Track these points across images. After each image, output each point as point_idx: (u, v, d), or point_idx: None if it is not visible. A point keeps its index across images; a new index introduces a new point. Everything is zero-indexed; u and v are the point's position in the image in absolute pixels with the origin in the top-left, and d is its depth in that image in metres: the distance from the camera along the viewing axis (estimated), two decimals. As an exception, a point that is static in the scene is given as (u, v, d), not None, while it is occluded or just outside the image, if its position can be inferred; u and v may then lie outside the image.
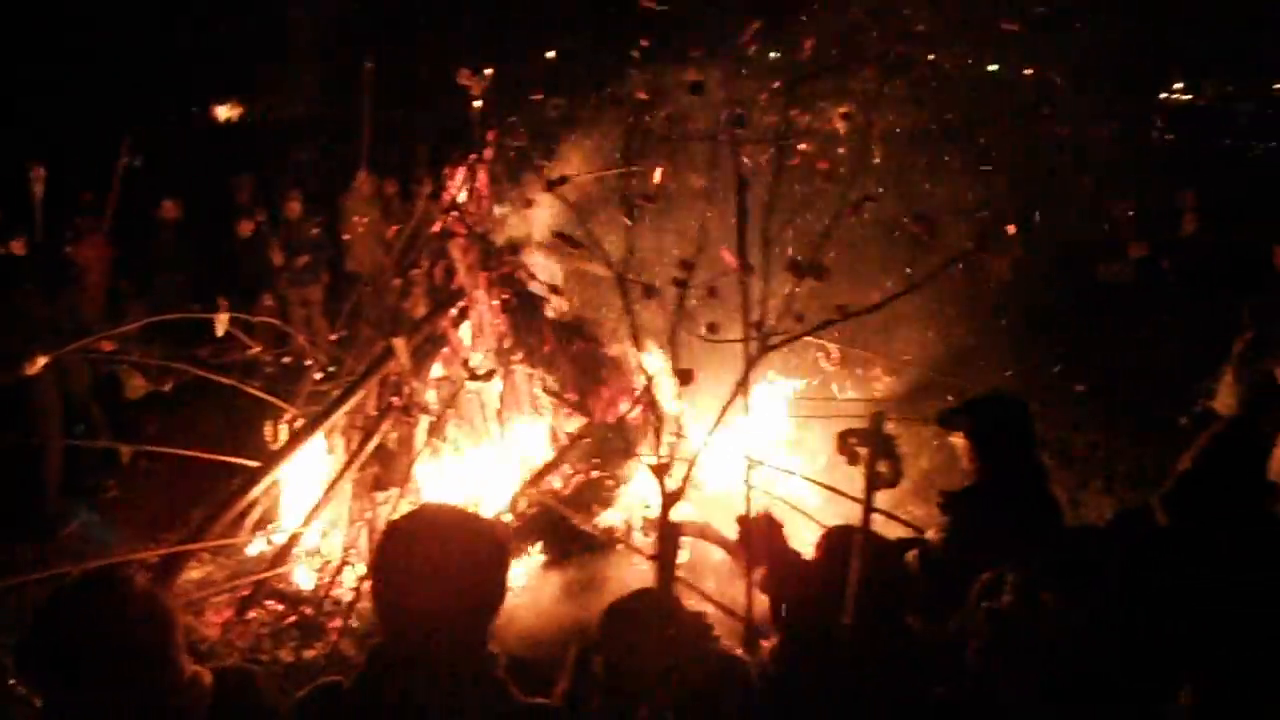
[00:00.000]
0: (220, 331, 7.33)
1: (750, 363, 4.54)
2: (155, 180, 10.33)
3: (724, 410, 4.76)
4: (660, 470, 4.64)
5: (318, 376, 7.80)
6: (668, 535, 4.74)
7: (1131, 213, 13.17)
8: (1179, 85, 25.82)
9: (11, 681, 2.43)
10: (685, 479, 4.73)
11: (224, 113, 19.36)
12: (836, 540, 3.21)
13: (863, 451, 3.11)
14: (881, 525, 4.87)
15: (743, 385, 4.60)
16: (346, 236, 11.03)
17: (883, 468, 3.09)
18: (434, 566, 2.21)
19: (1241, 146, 23.09)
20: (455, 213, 6.96)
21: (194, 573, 6.75)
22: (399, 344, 6.65)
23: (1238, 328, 7.78)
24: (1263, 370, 7.38)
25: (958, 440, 4.04)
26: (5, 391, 7.25)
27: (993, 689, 2.97)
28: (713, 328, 4.77)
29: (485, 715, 2.24)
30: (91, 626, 2.26)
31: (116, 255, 9.57)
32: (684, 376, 4.66)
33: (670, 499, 4.63)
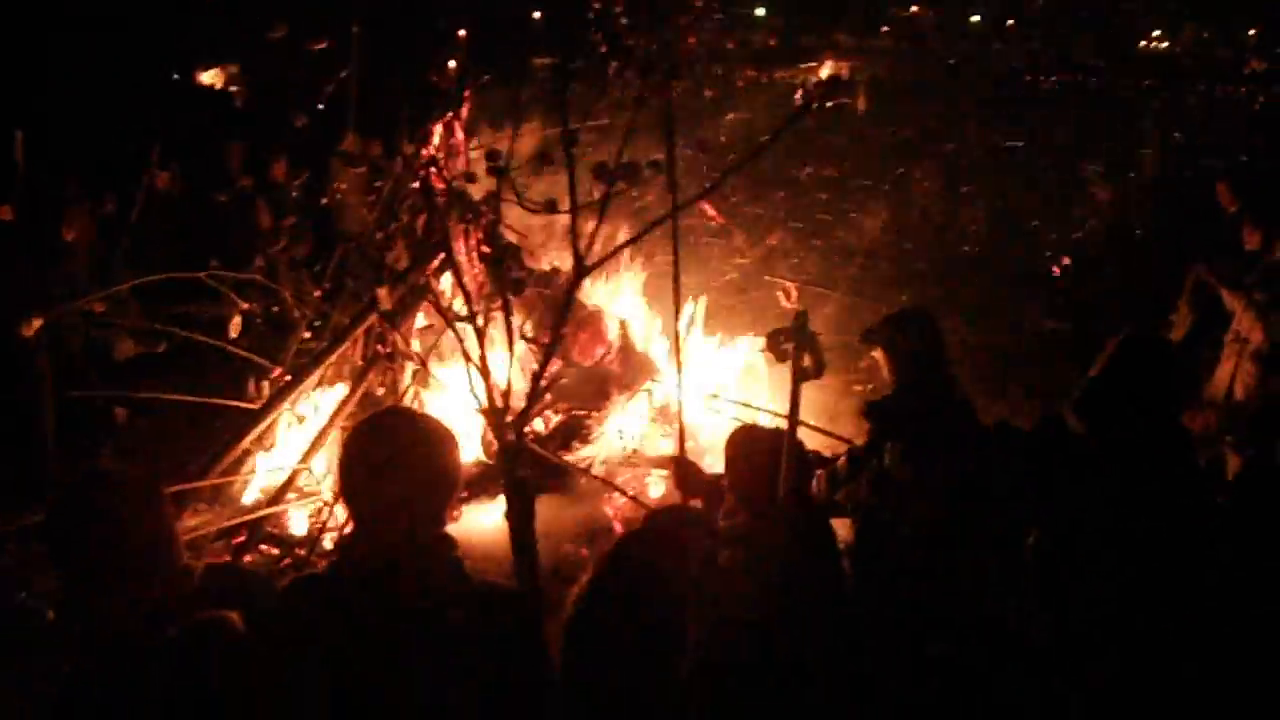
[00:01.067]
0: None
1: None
2: (144, 145, 10.54)
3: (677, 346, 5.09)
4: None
5: (306, 334, 8.07)
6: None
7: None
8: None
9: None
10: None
11: (209, 78, 19.52)
12: (739, 437, 3.75)
13: (788, 348, 3.47)
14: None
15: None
16: (336, 196, 11.27)
17: (806, 362, 3.46)
18: (387, 454, 2.52)
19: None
20: (433, 168, 7.20)
21: (191, 520, 7.06)
22: (381, 294, 6.93)
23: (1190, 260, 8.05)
24: (1207, 296, 7.65)
25: (877, 354, 4.37)
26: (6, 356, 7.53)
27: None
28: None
29: (444, 593, 2.54)
30: (97, 509, 2.58)
31: (106, 219, 9.81)
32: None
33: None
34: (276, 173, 11.18)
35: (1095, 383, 3.80)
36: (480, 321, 7.23)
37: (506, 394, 6.76)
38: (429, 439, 2.58)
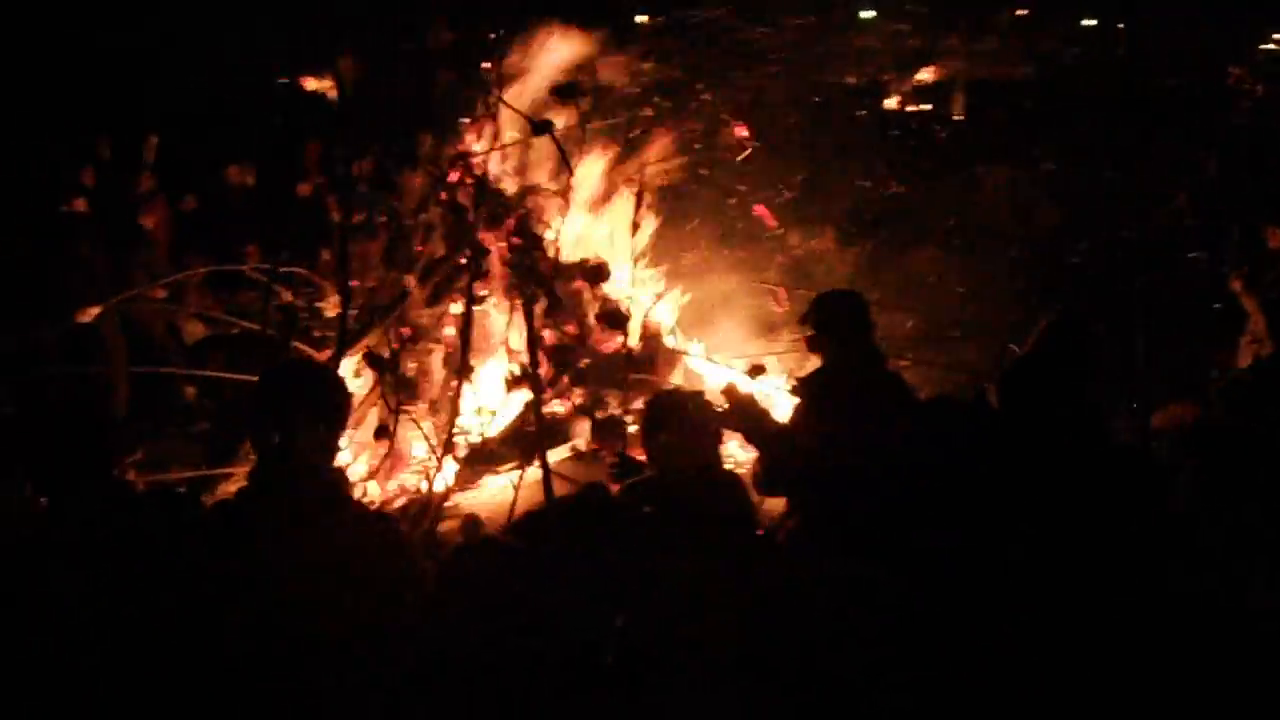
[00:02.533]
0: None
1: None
2: (222, 142, 11.24)
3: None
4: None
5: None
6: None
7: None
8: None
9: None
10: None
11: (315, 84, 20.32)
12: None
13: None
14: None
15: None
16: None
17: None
18: (283, 398, 2.97)
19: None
20: (461, 162, 7.69)
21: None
22: (409, 281, 7.45)
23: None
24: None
25: (808, 332, 4.66)
26: (75, 337, 8.19)
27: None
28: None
29: (331, 522, 2.97)
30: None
31: (185, 213, 10.50)
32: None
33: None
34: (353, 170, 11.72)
35: (1018, 361, 4.06)
36: (507, 308, 7.76)
37: (534, 373, 7.26)
38: (313, 379, 3.06)
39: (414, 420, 7.52)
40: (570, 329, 7.95)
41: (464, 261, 7.85)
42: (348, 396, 3.18)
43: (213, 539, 3.00)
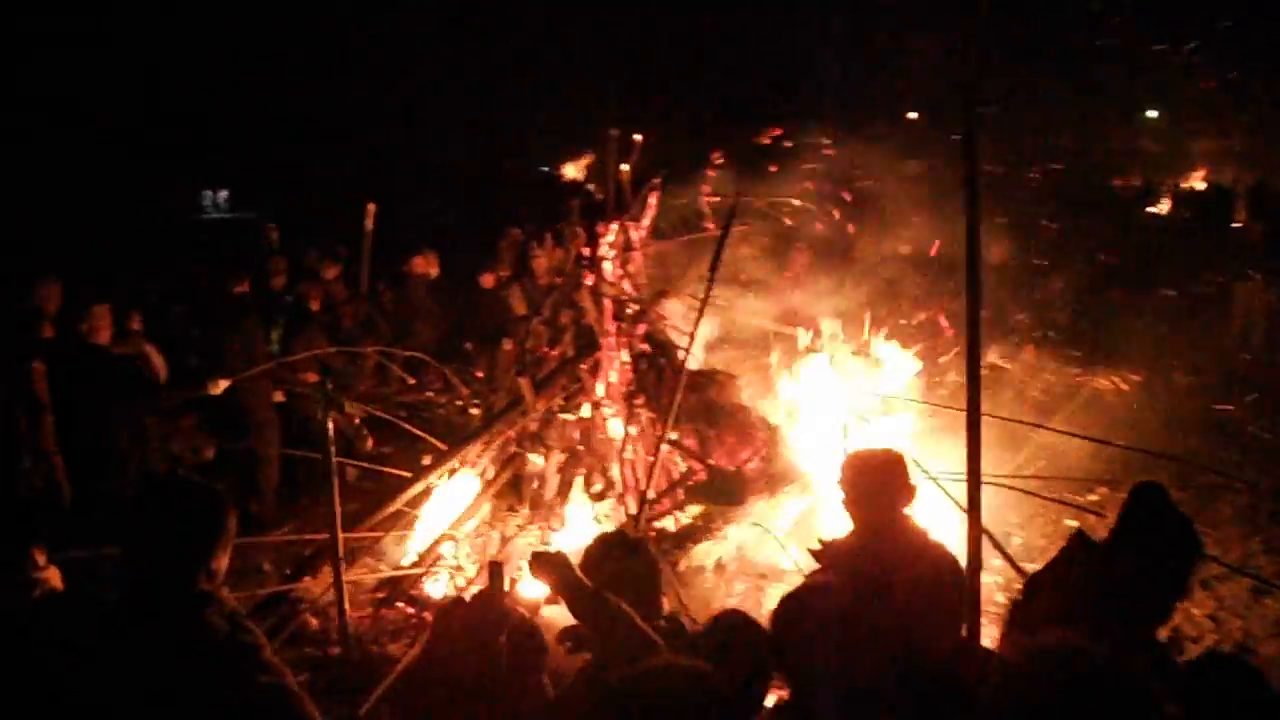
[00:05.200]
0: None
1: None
2: (410, 231, 11.74)
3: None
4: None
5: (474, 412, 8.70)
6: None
7: None
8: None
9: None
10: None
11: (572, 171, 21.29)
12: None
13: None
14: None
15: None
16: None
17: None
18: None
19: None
20: (588, 264, 7.65)
21: (354, 574, 7.76)
22: (524, 383, 7.41)
23: None
24: None
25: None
26: (232, 408, 8.60)
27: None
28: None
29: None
30: None
31: (366, 298, 10.96)
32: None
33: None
34: (537, 265, 11.96)
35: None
36: (625, 415, 7.60)
37: (643, 486, 7.04)
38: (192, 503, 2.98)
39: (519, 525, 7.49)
40: (691, 442, 7.70)
41: (588, 366, 7.80)
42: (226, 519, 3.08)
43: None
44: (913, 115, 19.96)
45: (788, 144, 8.59)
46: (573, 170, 9.95)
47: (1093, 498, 8.11)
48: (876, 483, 4.11)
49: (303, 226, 13.47)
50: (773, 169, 8.46)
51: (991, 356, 11.00)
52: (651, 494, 7.40)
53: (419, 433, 8.47)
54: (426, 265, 11.57)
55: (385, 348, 10.08)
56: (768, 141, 8.90)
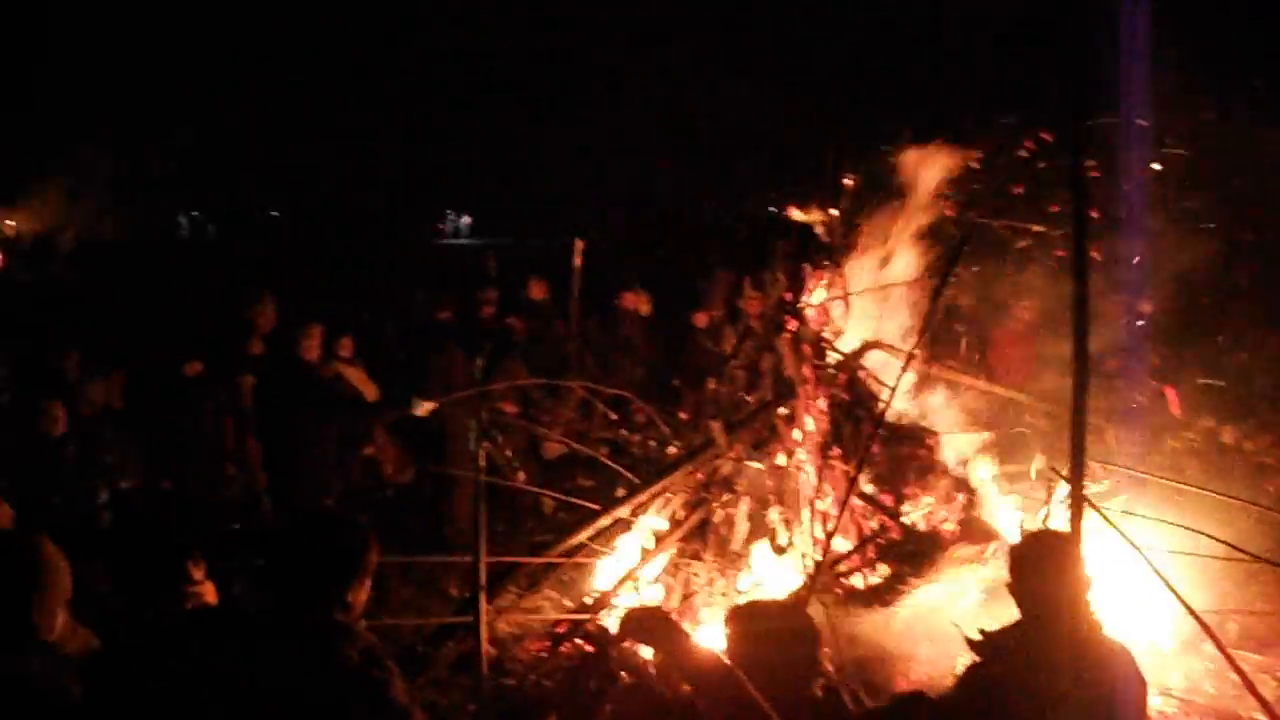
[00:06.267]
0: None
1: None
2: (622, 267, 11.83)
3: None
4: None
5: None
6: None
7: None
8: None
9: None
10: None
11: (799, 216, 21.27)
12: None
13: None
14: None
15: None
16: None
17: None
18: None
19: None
20: (787, 309, 7.47)
21: (534, 601, 7.80)
22: (715, 427, 7.27)
23: None
24: None
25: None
26: (433, 433, 8.80)
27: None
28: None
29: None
30: None
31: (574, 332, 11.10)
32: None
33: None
34: (749, 306, 11.83)
35: None
36: (819, 466, 7.37)
37: (828, 541, 6.81)
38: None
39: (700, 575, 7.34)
40: (887, 497, 7.40)
41: (784, 412, 7.60)
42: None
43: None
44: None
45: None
46: (801, 214, 9.77)
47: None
48: (1045, 565, 3.75)
49: (525, 259, 13.76)
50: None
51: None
52: (840, 548, 7.16)
53: (618, 468, 8.44)
54: (637, 301, 11.62)
55: (590, 383, 10.16)
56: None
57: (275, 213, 45.70)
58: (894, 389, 7.07)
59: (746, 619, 3.55)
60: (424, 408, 8.07)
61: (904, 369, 7.07)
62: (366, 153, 40.40)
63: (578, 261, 11.44)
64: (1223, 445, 10.04)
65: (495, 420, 9.32)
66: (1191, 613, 4.95)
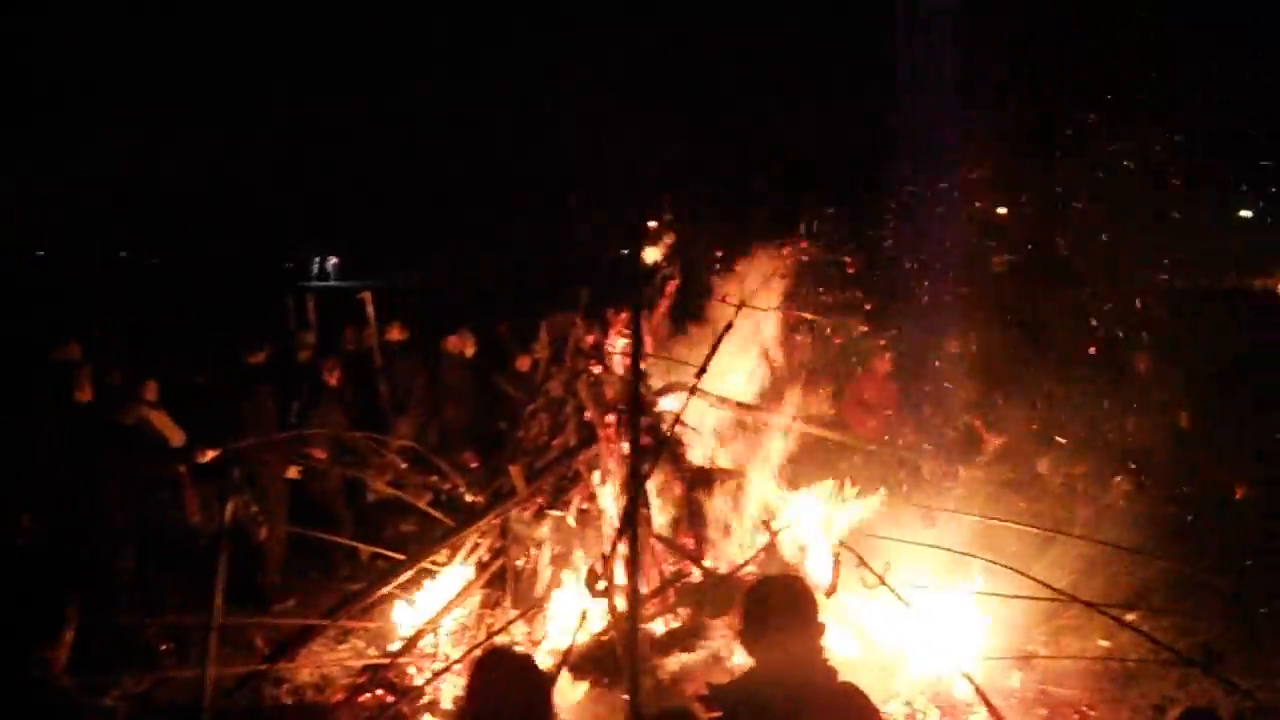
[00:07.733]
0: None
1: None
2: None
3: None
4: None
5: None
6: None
7: None
8: None
9: None
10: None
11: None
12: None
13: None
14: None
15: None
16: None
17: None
18: None
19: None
20: (589, 355, 7.50)
21: (337, 652, 7.67)
22: (515, 471, 7.24)
23: None
24: None
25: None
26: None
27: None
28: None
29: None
30: None
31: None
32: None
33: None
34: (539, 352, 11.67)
35: None
36: (620, 510, 7.36)
37: (633, 587, 6.77)
38: None
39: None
40: (687, 542, 7.43)
41: (586, 458, 7.61)
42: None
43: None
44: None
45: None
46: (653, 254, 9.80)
47: (1130, 617, 7.58)
48: (775, 615, 3.77)
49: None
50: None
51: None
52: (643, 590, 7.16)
53: (436, 514, 8.39)
54: (461, 344, 11.52)
55: (377, 435, 9.98)
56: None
57: (124, 253, 44.43)
58: (674, 424, 7.18)
59: (482, 669, 3.58)
60: (206, 455, 7.86)
61: (684, 405, 7.19)
62: (233, 196, 39.87)
63: (370, 312, 11.34)
64: (1037, 475, 10.35)
65: (308, 466, 9.16)
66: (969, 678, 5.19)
